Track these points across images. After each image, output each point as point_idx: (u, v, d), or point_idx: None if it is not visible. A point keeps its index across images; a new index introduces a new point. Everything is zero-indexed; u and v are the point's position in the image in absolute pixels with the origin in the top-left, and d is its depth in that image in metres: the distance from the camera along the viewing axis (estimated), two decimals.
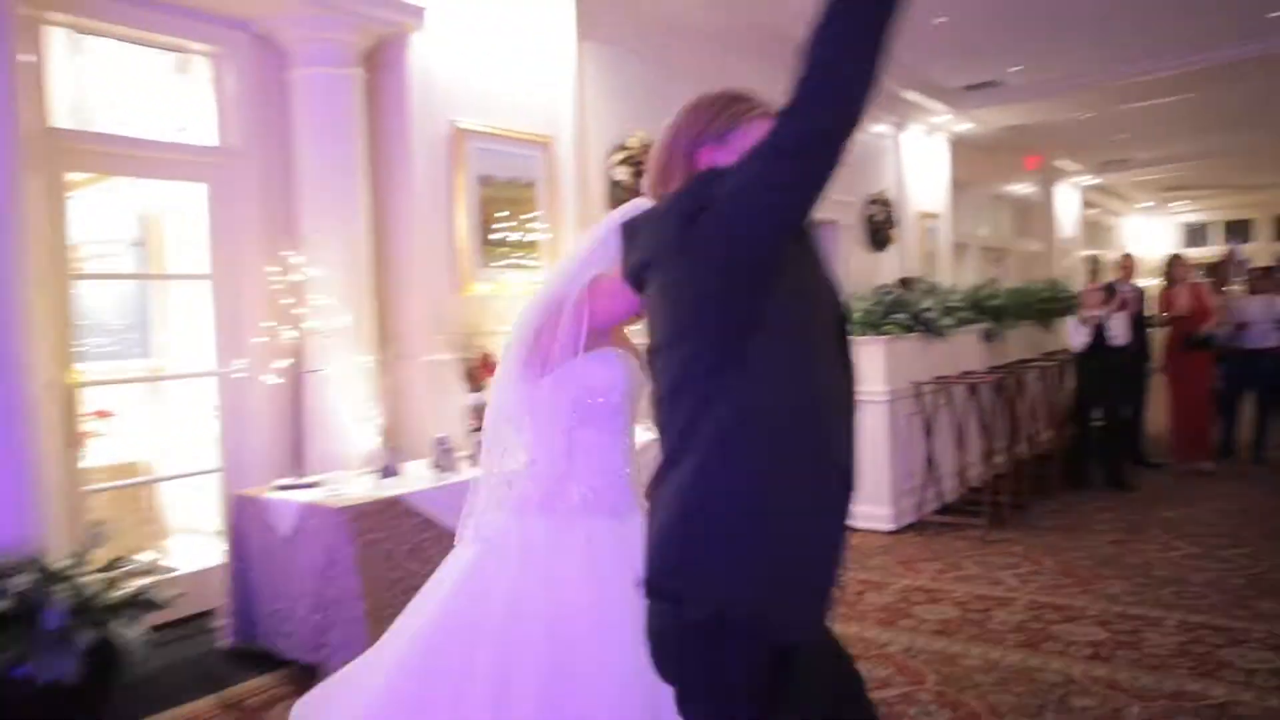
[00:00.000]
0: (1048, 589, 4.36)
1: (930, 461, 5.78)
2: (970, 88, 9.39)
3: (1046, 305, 7.98)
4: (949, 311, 6.11)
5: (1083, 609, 4.05)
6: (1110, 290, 6.70)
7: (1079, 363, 6.67)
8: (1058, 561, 4.80)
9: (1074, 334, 6.63)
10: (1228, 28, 7.72)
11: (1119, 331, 6.42)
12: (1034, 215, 14.51)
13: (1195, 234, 19.21)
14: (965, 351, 6.48)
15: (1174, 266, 7.24)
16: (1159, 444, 7.32)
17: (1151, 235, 19.10)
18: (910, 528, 5.57)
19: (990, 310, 6.88)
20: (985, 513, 5.53)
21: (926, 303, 5.98)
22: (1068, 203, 15.25)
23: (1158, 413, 7.46)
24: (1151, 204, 18.74)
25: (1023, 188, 14.05)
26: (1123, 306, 6.53)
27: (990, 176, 12.84)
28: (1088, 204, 16.31)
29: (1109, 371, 6.49)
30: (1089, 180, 15.34)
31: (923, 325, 5.84)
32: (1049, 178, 14.19)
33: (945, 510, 5.82)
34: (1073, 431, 6.85)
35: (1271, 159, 14.54)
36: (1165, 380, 7.21)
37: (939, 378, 5.90)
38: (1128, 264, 7.46)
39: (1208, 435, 7.05)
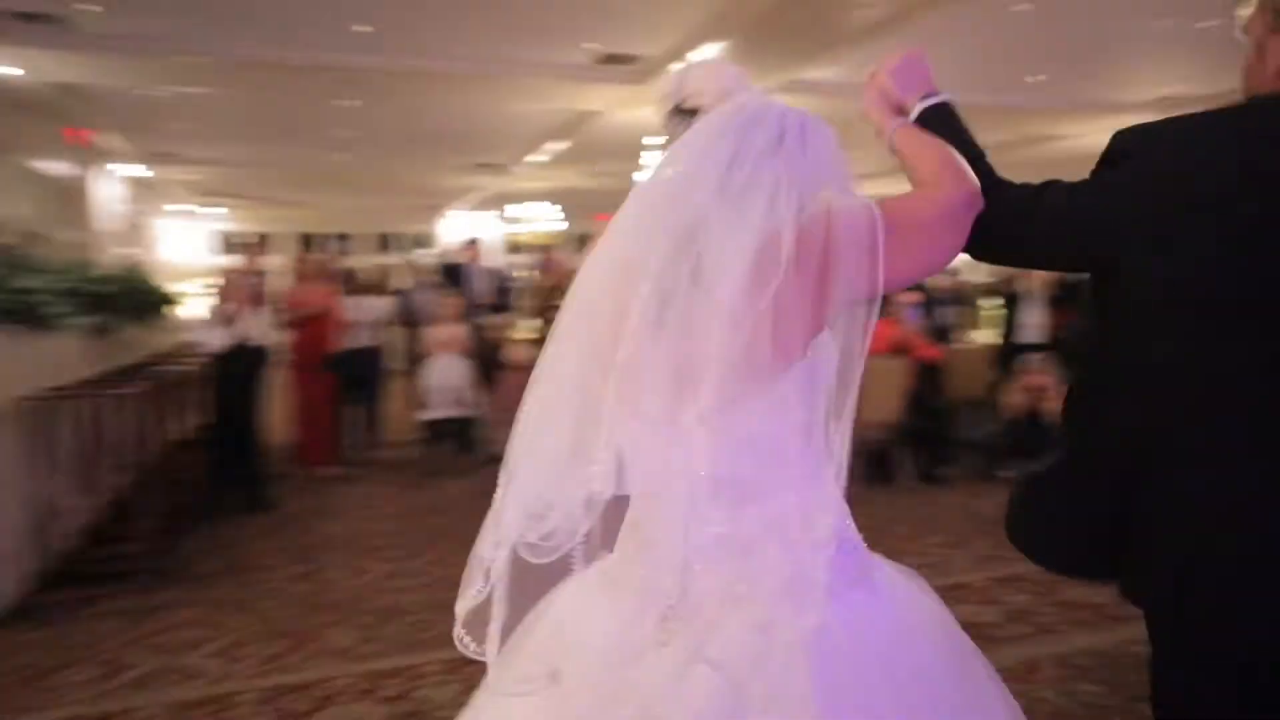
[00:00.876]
0: (265, 663, 3.30)
1: (44, 510, 4.03)
2: (28, 17, 6.99)
3: (152, 298, 6.69)
4: (67, 296, 4.46)
5: (330, 679, 3.13)
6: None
7: (220, 366, 5.57)
8: (250, 619, 3.74)
9: (210, 332, 5.56)
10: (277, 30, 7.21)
11: (264, 329, 5.67)
12: (73, 200, 12.02)
13: (229, 243, 19.09)
14: (69, 353, 4.75)
15: (307, 263, 6.85)
16: (281, 453, 6.64)
17: (184, 240, 18.41)
18: (20, 616, 3.73)
19: (105, 299, 5.23)
20: (130, 571, 4.13)
21: (33, 281, 4.21)
22: (110, 192, 13.24)
23: (277, 419, 6.76)
24: (190, 207, 17.96)
25: (62, 165, 11.48)
26: (261, 301, 5.79)
27: (28, 143, 10.22)
28: (131, 198, 14.47)
29: (249, 377, 5.63)
30: (137, 170, 13.74)
31: (27, 315, 4.06)
32: (92, 158, 12.13)
33: (72, 579, 4.08)
34: (215, 452, 5.64)
35: (300, 175, 15.25)
36: (288, 384, 6.66)
37: (56, 389, 4.22)
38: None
39: (333, 439, 6.78)
